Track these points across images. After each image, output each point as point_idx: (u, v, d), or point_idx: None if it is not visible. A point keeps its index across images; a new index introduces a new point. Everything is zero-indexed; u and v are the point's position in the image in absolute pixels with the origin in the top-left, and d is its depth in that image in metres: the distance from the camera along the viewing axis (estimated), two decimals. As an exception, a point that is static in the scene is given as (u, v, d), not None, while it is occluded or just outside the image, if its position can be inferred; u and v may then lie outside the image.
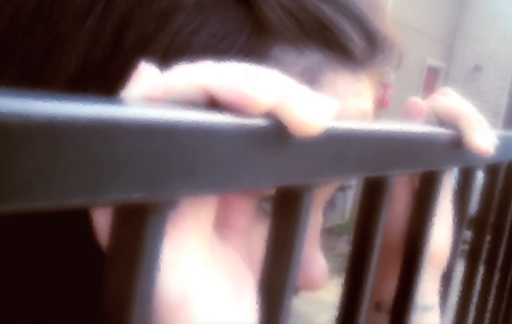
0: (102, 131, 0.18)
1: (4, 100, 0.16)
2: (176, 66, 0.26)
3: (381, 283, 0.48)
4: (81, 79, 0.35)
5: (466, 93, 0.47)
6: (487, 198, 0.63)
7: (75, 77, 0.35)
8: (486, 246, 0.64)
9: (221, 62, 0.26)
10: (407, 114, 0.47)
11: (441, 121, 0.43)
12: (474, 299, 0.66)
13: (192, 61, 0.26)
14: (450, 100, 0.44)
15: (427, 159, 0.38)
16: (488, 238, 0.64)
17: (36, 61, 0.36)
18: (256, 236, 0.36)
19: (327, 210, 0.42)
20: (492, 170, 0.63)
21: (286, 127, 0.25)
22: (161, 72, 0.26)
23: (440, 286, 0.50)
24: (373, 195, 0.36)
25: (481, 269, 0.65)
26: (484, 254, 0.65)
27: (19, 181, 0.16)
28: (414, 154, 0.36)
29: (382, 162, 0.32)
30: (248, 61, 0.27)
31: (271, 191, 0.29)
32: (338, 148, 0.28)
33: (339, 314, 0.37)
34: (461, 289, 0.65)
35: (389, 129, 0.33)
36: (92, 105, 0.18)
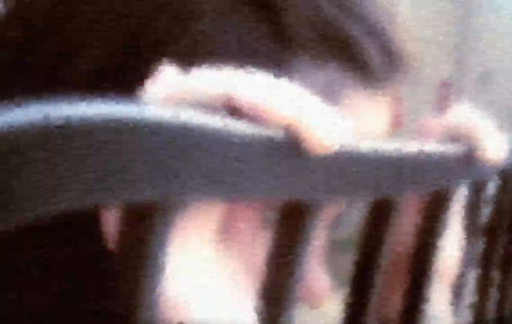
0: (116, 131, 0.18)
1: (18, 111, 0.16)
2: (196, 69, 0.27)
3: (387, 300, 0.48)
4: (97, 81, 0.35)
5: (477, 101, 0.46)
6: (499, 207, 0.62)
7: (91, 79, 0.35)
8: (498, 254, 0.64)
9: (242, 69, 0.26)
10: (420, 133, 0.46)
11: (455, 138, 0.43)
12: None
13: (212, 66, 0.27)
14: (463, 115, 0.44)
15: (439, 179, 0.38)
16: (501, 246, 0.64)
17: (51, 63, 0.36)
18: (259, 244, 0.35)
19: (333, 225, 0.42)
20: (504, 178, 0.62)
21: (301, 141, 0.25)
22: (182, 75, 0.26)
23: (451, 298, 0.49)
24: (380, 215, 0.35)
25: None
26: (496, 262, 0.64)
27: (32, 187, 0.16)
28: (427, 175, 0.36)
29: (393, 184, 0.32)
30: (269, 70, 0.28)
31: (277, 202, 0.29)
32: (351, 168, 0.28)
33: None
34: (474, 298, 0.65)
35: (402, 150, 0.32)
36: (105, 106, 0.18)
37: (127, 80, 0.34)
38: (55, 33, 0.37)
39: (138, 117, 0.19)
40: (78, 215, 0.19)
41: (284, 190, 0.26)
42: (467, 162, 0.41)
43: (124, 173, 0.19)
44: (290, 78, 0.31)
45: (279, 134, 0.25)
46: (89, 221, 0.27)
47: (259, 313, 0.29)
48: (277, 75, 0.27)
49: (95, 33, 0.36)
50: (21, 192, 0.16)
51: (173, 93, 0.26)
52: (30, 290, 0.37)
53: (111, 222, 0.28)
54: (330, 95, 0.36)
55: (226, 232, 0.34)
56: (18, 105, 0.16)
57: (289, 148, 0.25)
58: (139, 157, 0.19)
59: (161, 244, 0.23)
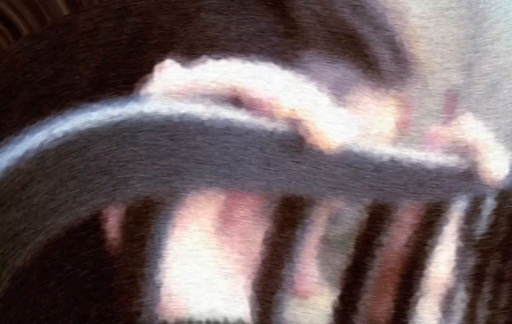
0: (119, 131, 0.19)
1: (17, 146, 0.17)
2: (202, 62, 0.27)
3: (377, 306, 0.48)
4: (100, 82, 0.35)
5: (483, 111, 0.46)
6: (495, 224, 0.62)
7: (93, 81, 0.35)
8: (490, 271, 0.64)
9: (249, 62, 0.26)
10: (425, 141, 0.46)
11: (458, 149, 0.43)
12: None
13: (219, 59, 0.27)
14: (466, 127, 0.44)
15: (438, 190, 0.38)
16: (493, 263, 0.64)
17: (51, 71, 0.36)
18: (254, 236, 0.35)
19: (329, 223, 0.42)
20: (503, 195, 0.62)
21: (304, 137, 0.25)
22: (186, 68, 0.26)
23: (440, 311, 0.49)
24: (376, 218, 0.35)
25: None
26: (488, 278, 0.64)
27: (38, 207, 0.17)
28: (426, 184, 0.36)
29: (392, 189, 0.32)
30: (277, 64, 0.28)
31: (276, 195, 0.29)
32: (351, 168, 0.28)
33: None
34: (464, 314, 0.65)
35: (403, 156, 0.32)
36: (106, 110, 0.19)
37: (130, 77, 0.34)
38: (56, 36, 0.37)
39: (140, 114, 0.19)
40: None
41: (284, 184, 0.26)
42: (467, 176, 0.40)
43: (129, 172, 0.19)
44: (298, 73, 0.31)
45: (283, 128, 0.25)
46: (88, 221, 0.27)
47: (251, 303, 0.29)
48: (285, 70, 0.27)
49: (93, 38, 0.36)
50: (30, 218, 0.16)
51: (178, 87, 0.26)
52: (32, 297, 0.37)
53: (112, 220, 0.28)
54: (338, 92, 0.36)
55: (223, 221, 0.34)
56: (17, 133, 0.16)
57: (293, 142, 0.25)
58: (143, 152, 0.20)
59: (162, 237, 0.24)
